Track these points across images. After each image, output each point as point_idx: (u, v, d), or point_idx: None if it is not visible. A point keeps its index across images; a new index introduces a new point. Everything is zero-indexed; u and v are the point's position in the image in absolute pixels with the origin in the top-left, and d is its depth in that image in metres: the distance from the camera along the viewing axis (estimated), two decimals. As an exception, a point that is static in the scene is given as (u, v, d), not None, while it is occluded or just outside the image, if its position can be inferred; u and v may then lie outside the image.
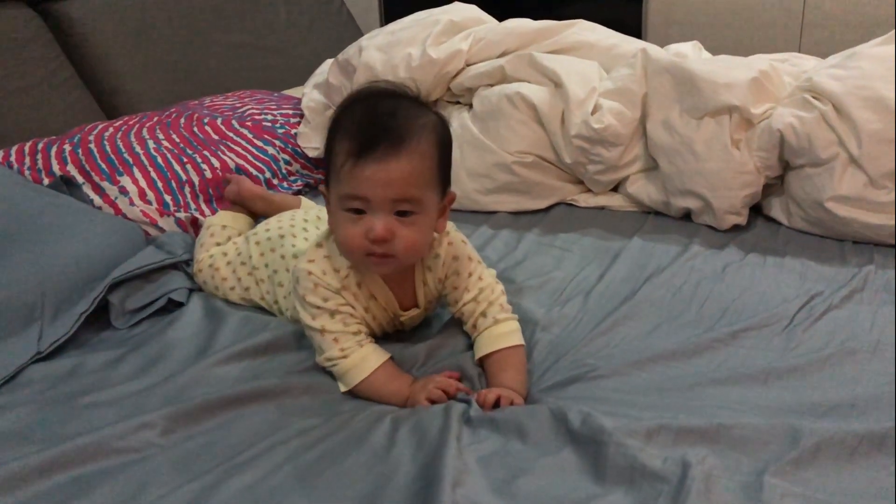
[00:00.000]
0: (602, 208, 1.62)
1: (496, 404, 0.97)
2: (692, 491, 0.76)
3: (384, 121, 0.95)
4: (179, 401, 0.99)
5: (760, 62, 1.50)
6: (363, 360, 1.01)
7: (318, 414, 0.98)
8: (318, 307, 1.03)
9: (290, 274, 1.11)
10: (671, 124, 1.49)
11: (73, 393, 1.02)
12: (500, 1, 2.32)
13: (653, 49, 1.60)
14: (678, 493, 0.77)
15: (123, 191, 1.50)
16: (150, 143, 1.62)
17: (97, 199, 1.49)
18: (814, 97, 1.40)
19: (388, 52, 1.73)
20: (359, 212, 0.96)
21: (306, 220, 1.30)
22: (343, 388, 1.02)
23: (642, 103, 1.54)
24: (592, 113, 1.53)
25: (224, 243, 1.35)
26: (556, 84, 1.59)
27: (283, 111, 1.94)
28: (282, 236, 1.25)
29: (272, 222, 1.31)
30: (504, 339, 1.07)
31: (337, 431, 0.94)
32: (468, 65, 1.74)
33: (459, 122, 1.68)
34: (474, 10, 1.86)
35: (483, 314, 1.08)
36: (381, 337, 1.12)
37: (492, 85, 1.68)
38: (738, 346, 1.08)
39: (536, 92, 1.59)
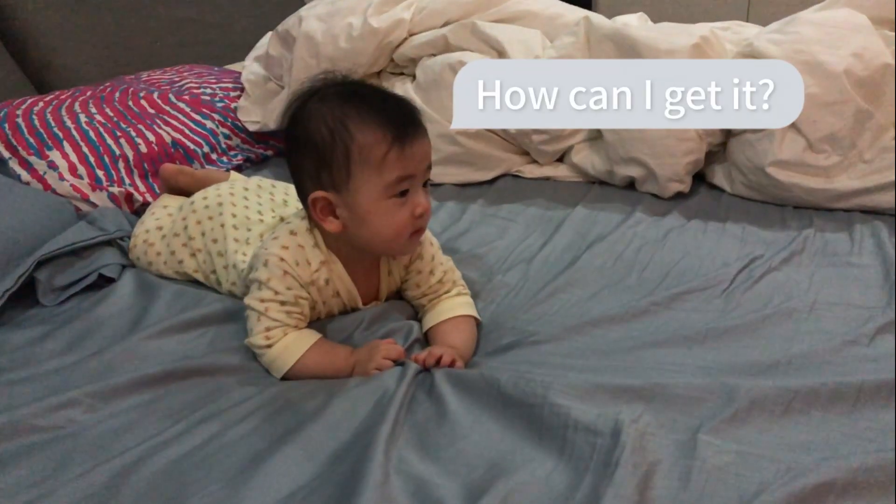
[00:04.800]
0: (547, 179, 1.61)
1: (437, 363, 0.95)
2: (627, 446, 0.76)
3: (400, 103, 0.99)
4: (106, 377, 0.95)
5: (702, 29, 1.50)
6: (286, 349, 0.98)
7: (252, 386, 0.95)
8: (277, 293, 0.99)
9: (255, 254, 1.06)
10: (614, 92, 1.48)
11: (-6, 370, 0.98)
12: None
13: (596, 17, 1.59)
14: (613, 447, 0.76)
15: (52, 165, 1.44)
16: (82, 117, 1.56)
17: (24, 175, 1.43)
18: (754, 62, 1.40)
19: (329, 21, 1.69)
20: (402, 194, 0.96)
21: (246, 189, 1.26)
22: (277, 376, 0.99)
23: (585, 71, 1.53)
24: (535, 81, 1.51)
25: (162, 218, 1.31)
26: (499, 52, 1.57)
27: (223, 85, 1.89)
28: (220, 204, 1.22)
29: (210, 191, 1.26)
30: (461, 308, 1.08)
31: (271, 403, 0.91)
32: (411, 35, 1.71)
33: (403, 93, 1.64)
34: (418, -20, 1.82)
35: (447, 292, 1.09)
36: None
37: (435, 55, 1.65)
38: (677, 310, 1.08)
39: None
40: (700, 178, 1.54)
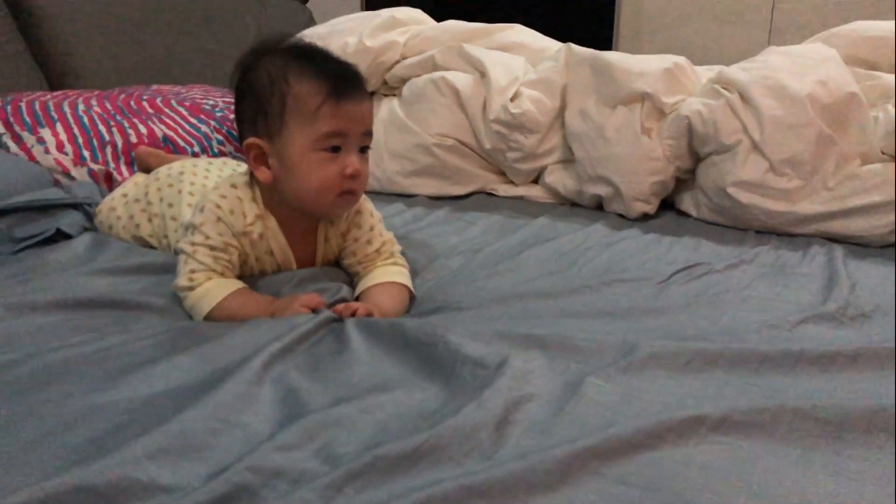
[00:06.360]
0: (521, 198, 1.62)
1: (353, 314, 0.95)
2: (507, 374, 0.74)
3: (343, 64, 1.01)
4: (27, 296, 0.97)
5: (678, 58, 1.53)
6: (207, 292, 0.99)
7: (163, 319, 0.96)
8: (207, 237, 1.01)
9: (195, 205, 1.09)
10: (587, 112, 1.51)
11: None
12: (465, 7, 2.38)
13: (577, 47, 1.63)
14: (493, 375, 0.75)
15: (41, 140, 1.51)
16: (80, 106, 1.64)
17: (13, 147, 1.49)
18: (723, 87, 1.42)
19: (327, 40, 1.76)
20: (334, 150, 0.98)
21: (210, 163, 1.31)
22: (197, 320, 0.99)
23: (562, 94, 1.57)
24: (512, 100, 1.56)
25: (129, 189, 1.35)
26: (481, 73, 1.62)
27: (227, 99, 1.96)
28: (181, 173, 1.26)
29: (174, 164, 1.31)
30: (395, 276, 1.08)
31: (180, 329, 0.92)
32: (404, 58, 1.77)
33: (388, 107, 1.70)
34: (417, 12, 1.91)
35: (384, 261, 1.10)
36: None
37: (422, 75, 1.71)
38: (606, 293, 1.06)
39: (461, 78, 1.62)
40: (670, 205, 1.54)
